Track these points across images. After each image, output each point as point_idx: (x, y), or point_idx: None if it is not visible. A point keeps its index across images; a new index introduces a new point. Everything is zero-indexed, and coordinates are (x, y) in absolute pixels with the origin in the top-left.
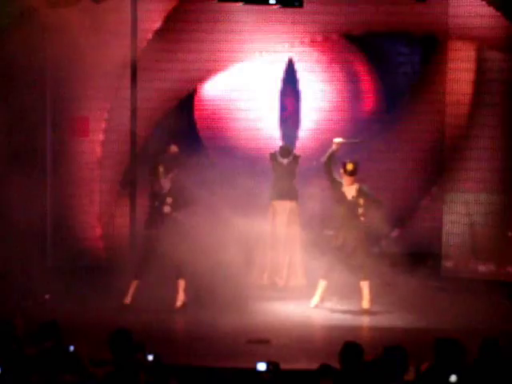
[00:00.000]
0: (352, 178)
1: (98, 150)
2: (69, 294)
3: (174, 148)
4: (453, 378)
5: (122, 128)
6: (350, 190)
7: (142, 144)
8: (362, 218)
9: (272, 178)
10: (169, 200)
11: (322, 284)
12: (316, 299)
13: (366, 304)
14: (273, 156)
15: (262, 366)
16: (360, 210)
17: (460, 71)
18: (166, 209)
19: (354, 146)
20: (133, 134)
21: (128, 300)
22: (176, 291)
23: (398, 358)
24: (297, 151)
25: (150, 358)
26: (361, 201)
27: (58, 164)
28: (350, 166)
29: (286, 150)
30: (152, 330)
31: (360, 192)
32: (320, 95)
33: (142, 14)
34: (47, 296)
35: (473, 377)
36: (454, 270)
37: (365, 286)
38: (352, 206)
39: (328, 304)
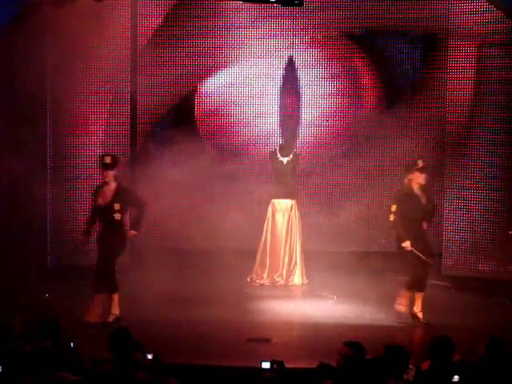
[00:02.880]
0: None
1: (98, 148)
2: (68, 293)
3: (107, 159)
4: (456, 378)
5: (122, 126)
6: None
7: (142, 141)
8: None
9: (272, 177)
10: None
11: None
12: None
13: None
14: (273, 154)
15: (265, 365)
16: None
17: (460, 69)
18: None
19: (352, 144)
20: (133, 130)
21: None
22: (109, 305)
23: (399, 357)
24: (297, 149)
25: (149, 357)
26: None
27: (58, 163)
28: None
29: (287, 148)
30: (151, 328)
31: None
32: (320, 93)
33: (142, 12)
34: (47, 295)
35: (478, 375)
36: (454, 269)
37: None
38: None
39: (328, 303)
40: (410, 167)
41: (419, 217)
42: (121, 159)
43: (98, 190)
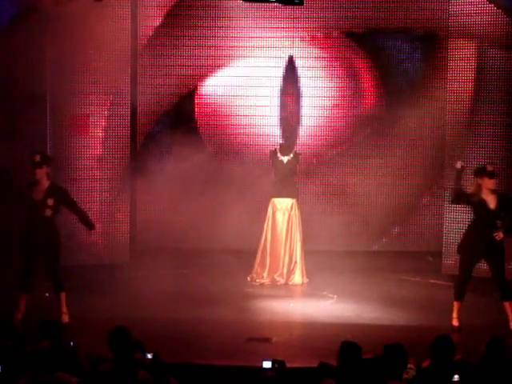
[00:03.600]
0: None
1: (98, 146)
2: (68, 291)
3: (36, 157)
4: (456, 377)
5: (122, 125)
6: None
7: (142, 141)
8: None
9: (272, 176)
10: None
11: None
12: None
13: None
14: (273, 153)
15: (267, 364)
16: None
17: (460, 68)
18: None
19: (352, 143)
20: (133, 130)
21: (19, 316)
22: (60, 305)
23: (398, 356)
24: (297, 149)
25: (149, 356)
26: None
27: (57, 161)
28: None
29: (287, 147)
30: (151, 328)
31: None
32: (320, 92)
33: (142, 10)
34: (47, 294)
35: (478, 375)
36: (455, 268)
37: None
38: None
39: (328, 302)
40: (479, 172)
41: (488, 223)
42: (120, 156)
43: (30, 188)
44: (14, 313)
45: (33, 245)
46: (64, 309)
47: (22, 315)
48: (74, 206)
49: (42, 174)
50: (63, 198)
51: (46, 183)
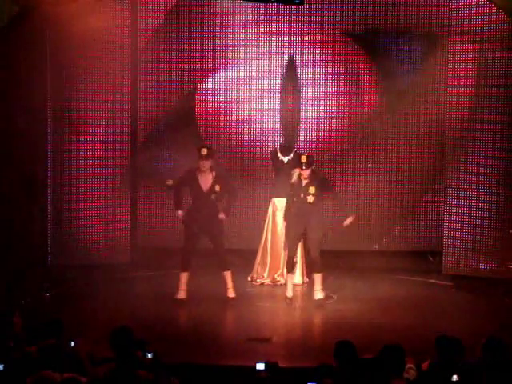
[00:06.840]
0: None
1: (99, 147)
2: (69, 292)
3: (204, 150)
4: (454, 377)
5: (122, 125)
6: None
7: (142, 140)
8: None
9: (272, 176)
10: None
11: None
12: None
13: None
14: (273, 153)
15: (260, 366)
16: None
17: (461, 69)
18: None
19: (352, 143)
20: (133, 131)
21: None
22: (225, 283)
23: (397, 357)
24: (297, 148)
25: (149, 355)
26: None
27: (58, 161)
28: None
29: (287, 147)
30: (151, 328)
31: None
32: (320, 92)
33: (142, 11)
34: (47, 294)
35: (477, 375)
36: (455, 268)
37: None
38: None
39: (328, 302)
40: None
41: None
42: (121, 157)
43: (192, 176)
44: (176, 292)
45: (198, 227)
46: (229, 284)
47: (186, 293)
48: (232, 193)
49: (207, 165)
50: (227, 187)
51: (211, 173)
